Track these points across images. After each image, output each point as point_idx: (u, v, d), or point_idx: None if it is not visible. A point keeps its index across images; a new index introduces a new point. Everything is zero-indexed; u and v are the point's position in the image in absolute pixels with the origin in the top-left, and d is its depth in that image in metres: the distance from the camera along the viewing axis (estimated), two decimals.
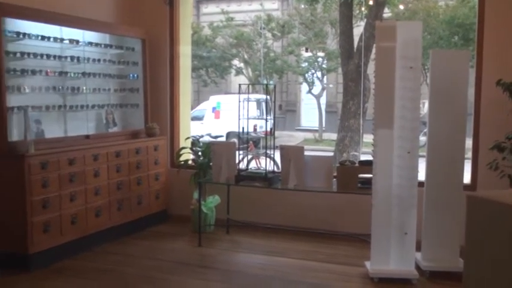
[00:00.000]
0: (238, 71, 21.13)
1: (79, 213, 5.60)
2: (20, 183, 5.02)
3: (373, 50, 10.09)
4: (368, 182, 5.19)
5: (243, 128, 5.89)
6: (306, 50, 20.22)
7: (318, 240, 6.12)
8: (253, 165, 9.34)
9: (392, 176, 4.92)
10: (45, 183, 5.19)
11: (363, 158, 7.07)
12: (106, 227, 5.99)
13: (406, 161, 4.89)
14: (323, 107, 20.68)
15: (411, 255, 4.97)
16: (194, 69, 16.27)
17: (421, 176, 5.08)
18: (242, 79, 20.23)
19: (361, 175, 5.38)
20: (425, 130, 5.44)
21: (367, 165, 5.28)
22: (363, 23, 11.61)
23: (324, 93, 20.73)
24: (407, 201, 4.90)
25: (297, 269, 5.30)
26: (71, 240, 5.54)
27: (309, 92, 20.15)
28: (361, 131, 11.13)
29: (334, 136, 14.92)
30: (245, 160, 7.01)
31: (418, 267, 5.05)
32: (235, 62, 21.27)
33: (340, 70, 16.40)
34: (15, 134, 5.32)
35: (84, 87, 6.17)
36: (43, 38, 5.59)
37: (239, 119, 5.86)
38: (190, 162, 6.77)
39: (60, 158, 5.38)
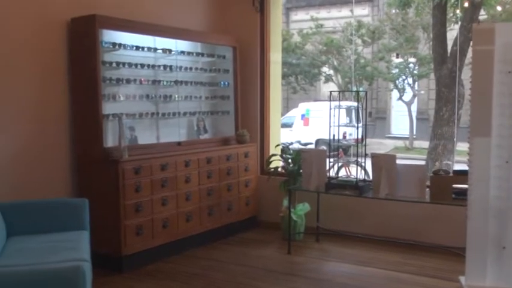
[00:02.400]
0: (328, 78, 20.99)
1: (170, 218, 5.71)
2: (114, 188, 5.18)
3: (468, 55, 9.84)
4: (463, 192, 4.98)
5: (333, 135, 5.82)
6: (397, 56, 19.82)
7: (408, 251, 5.94)
8: (343, 173, 9.24)
9: (489, 187, 4.69)
10: (138, 188, 5.33)
11: (457, 167, 6.84)
12: (196, 232, 6.07)
13: (505, 171, 4.65)
14: (414, 114, 20.21)
15: (510, 271, 4.73)
16: (284, 76, 16.33)
17: None
18: (331, 86, 20.09)
19: (455, 185, 5.19)
20: None
21: (462, 175, 5.08)
22: (457, 27, 11.25)
23: (415, 100, 20.24)
24: (505, 213, 4.66)
25: (386, 280, 5.17)
26: (162, 244, 5.66)
27: (400, 98, 19.73)
28: (454, 139, 10.78)
29: (425, 144, 14.52)
30: (335, 168, 6.93)
31: None
32: (325, 69, 21.15)
33: (432, 76, 15.97)
34: (110, 140, 5.51)
35: (176, 95, 6.30)
36: (137, 48, 5.75)
37: (330, 126, 5.79)
38: (280, 169, 6.76)
39: (152, 163, 5.50)
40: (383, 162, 5.44)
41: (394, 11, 18.84)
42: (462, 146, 10.04)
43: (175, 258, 5.74)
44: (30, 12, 5.06)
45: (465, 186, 4.86)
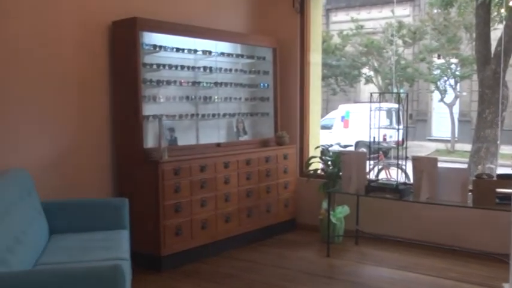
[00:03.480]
0: (368, 80, 20.84)
1: (209, 219, 5.73)
2: (154, 188, 5.22)
3: None
4: (507, 197, 4.86)
5: (373, 137, 5.76)
6: (438, 57, 19.53)
7: (449, 256, 5.82)
8: (383, 175, 9.15)
9: None
10: (178, 189, 5.36)
11: (500, 171, 6.69)
12: (235, 234, 6.08)
13: None
14: (456, 116, 19.91)
15: None
16: (323, 77, 16.32)
17: None
18: (371, 88, 19.94)
19: (499, 189, 5.06)
20: None
21: (506, 178, 4.97)
22: (501, 26, 11.01)
23: (457, 101, 19.94)
24: None
25: (428, 286, 5.07)
26: (200, 245, 5.68)
27: (441, 100, 19.46)
28: (498, 142, 10.55)
29: (467, 147, 14.28)
30: (375, 170, 6.86)
31: None
32: (365, 71, 21.00)
33: (474, 77, 15.69)
34: (150, 141, 5.56)
35: (216, 97, 6.32)
36: (178, 50, 5.78)
37: (370, 129, 5.74)
38: (319, 171, 6.72)
39: (192, 164, 5.52)
40: (424, 165, 5.35)
41: (435, 10, 18.58)
42: (506, 149, 9.86)
43: (213, 259, 5.76)
44: (73, 17, 5.14)
45: (509, 190, 4.76)
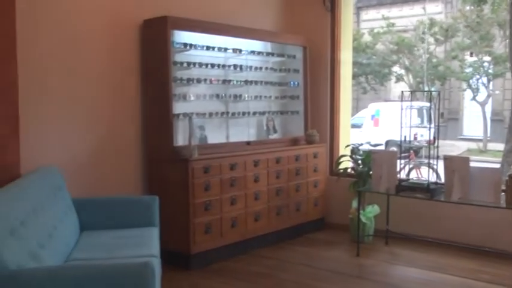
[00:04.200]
0: (399, 78, 20.67)
1: (239, 217, 5.73)
2: (184, 186, 5.23)
3: None
4: None
5: (404, 136, 5.70)
6: (471, 55, 19.30)
7: (481, 258, 5.72)
8: (413, 175, 9.05)
9: None
10: (207, 187, 5.37)
11: None
12: (264, 232, 6.07)
13: None
14: (488, 115, 19.64)
15: None
16: (354, 76, 16.22)
17: None
18: (402, 86, 19.78)
19: None
20: None
21: None
22: None
23: (490, 100, 19.67)
24: None
25: None
26: (230, 243, 5.68)
27: (473, 99, 19.23)
28: None
29: (499, 146, 14.09)
30: (405, 169, 6.79)
31: None
32: (396, 69, 20.83)
33: (508, 75, 15.50)
34: (180, 140, 5.57)
35: (246, 95, 6.32)
36: (208, 48, 5.79)
37: (401, 127, 5.68)
38: (349, 170, 6.68)
39: (221, 163, 5.53)
40: (456, 165, 5.28)
41: (468, 7, 18.37)
42: None
43: (242, 258, 5.76)
44: (104, 16, 5.18)
45: None
